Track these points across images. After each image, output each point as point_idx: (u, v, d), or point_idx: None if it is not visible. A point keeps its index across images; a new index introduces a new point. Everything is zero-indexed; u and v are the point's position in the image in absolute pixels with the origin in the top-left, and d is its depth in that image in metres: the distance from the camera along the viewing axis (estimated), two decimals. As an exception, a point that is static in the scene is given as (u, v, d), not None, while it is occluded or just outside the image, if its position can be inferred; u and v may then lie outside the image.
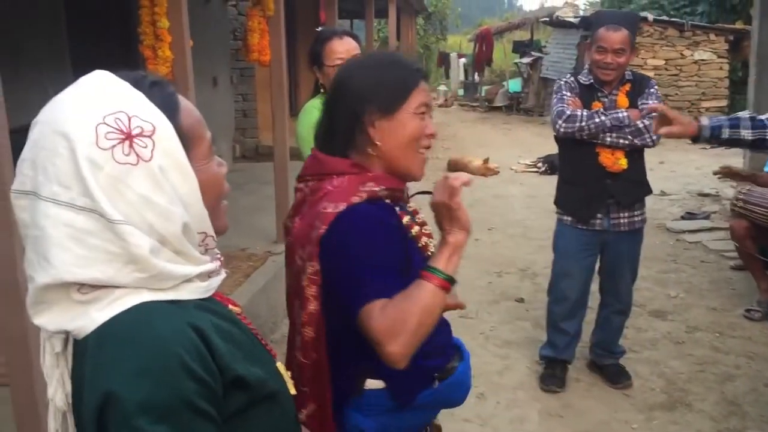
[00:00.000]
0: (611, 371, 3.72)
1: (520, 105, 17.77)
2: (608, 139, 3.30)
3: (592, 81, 3.39)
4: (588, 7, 19.12)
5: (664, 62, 13.55)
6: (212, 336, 0.91)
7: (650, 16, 13.66)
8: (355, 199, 1.43)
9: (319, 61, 2.69)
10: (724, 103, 13.63)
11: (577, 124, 3.28)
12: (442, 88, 21.29)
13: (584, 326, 3.76)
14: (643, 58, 13.44)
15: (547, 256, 5.89)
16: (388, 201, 1.50)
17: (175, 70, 3.50)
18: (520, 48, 19.36)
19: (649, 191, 3.54)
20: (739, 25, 13.44)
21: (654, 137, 3.27)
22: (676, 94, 13.63)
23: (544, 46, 18.27)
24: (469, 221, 1.47)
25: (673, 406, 3.45)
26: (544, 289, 5.05)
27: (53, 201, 0.86)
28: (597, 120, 3.27)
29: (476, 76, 20.59)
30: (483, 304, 4.85)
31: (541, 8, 21.36)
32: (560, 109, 3.34)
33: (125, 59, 6.43)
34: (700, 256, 5.87)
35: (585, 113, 3.30)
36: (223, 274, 1.04)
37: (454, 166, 10.18)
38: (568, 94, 3.39)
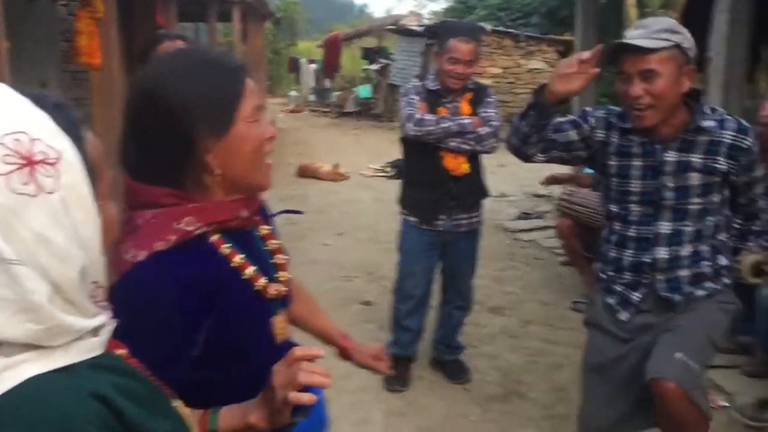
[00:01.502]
0: (451, 367, 3.86)
1: (371, 111, 18.10)
2: (452, 143, 3.46)
3: (438, 87, 3.52)
4: (432, 17, 19.81)
5: (502, 70, 14.33)
6: (117, 400, 0.79)
7: (488, 27, 14.39)
8: (160, 245, 1.17)
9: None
10: (556, 109, 14.60)
11: (426, 128, 3.41)
12: (293, 93, 21.26)
13: (426, 325, 3.88)
14: (482, 66, 14.11)
15: (395, 258, 6.05)
16: (215, 237, 1.27)
17: (-11, 73, 3.24)
18: (369, 55, 19.72)
19: (487, 194, 3.74)
20: (567, 37, 14.44)
21: (493, 143, 3.50)
22: (513, 100, 14.43)
23: (392, 54, 18.73)
24: (282, 422, 1.18)
25: (508, 397, 3.64)
26: (391, 291, 5.19)
27: None
28: (444, 125, 3.41)
29: (327, 82, 20.75)
30: (330, 309, 4.86)
31: (388, 16, 21.86)
32: (410, 112, 3.45)
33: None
34: (534, 253, 6.25)
35: (433, 117, 3.44)
36: (113, 324, 0.89)
37: (304, 172, 10.22)
38: (416, 98, 3.51)
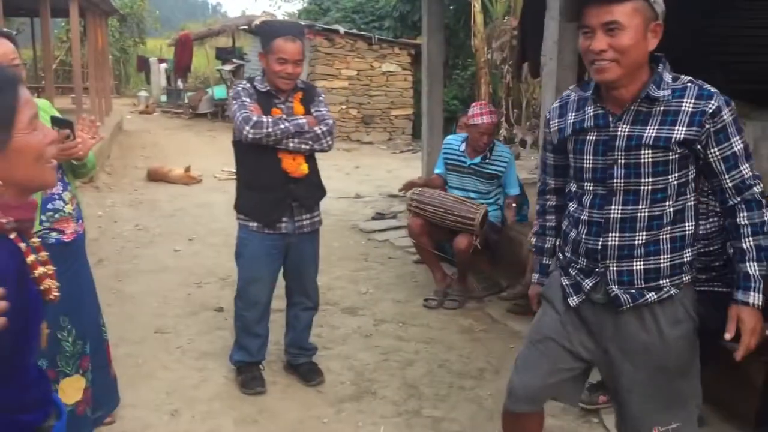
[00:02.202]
0: (304, 370, 3.84)
1: (225, 112, 17.70)
2: (291, 144, 3.42)
3: (269, 88, 3.47)
4: (286, 17, 19.68)
5: (356, 73, 14.49)
6: None
7: (341, 29, 14.51)
8: None
9: None
10: (410, 111, 14.97)
11: (265, 130, 3.33)
12: (143, 93, 20.40)
13: (271, 328, 3.84)
14: (337, 68, 14.23)
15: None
16: (13, 235, 1.32)
17: None
18: (222, 55, 19.29)
19: (325, 193, 3.73)
20: (419, 40, 14.83)
21: (330, 142, 3.50)
22: (369, 102, 14.66)
23: (246, 54, 18.42)
24: None
25: (361, 396, 3.67)
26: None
27: None
28: (282, 126, 3.36)
29: (180, 83, 20.07)
30: (181, 317, 4.72)
31: (242, 16, 21.47)
32: (245, 114, 3.34)
33: None
34: (389, 253, 6.36)
35: (270, 119, 3.37)
36: None
37: (153, 176, 9.82)
38: (248, 100, 3.42)
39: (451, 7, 14.23)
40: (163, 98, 20.93)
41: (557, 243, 2.40)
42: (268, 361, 4.02)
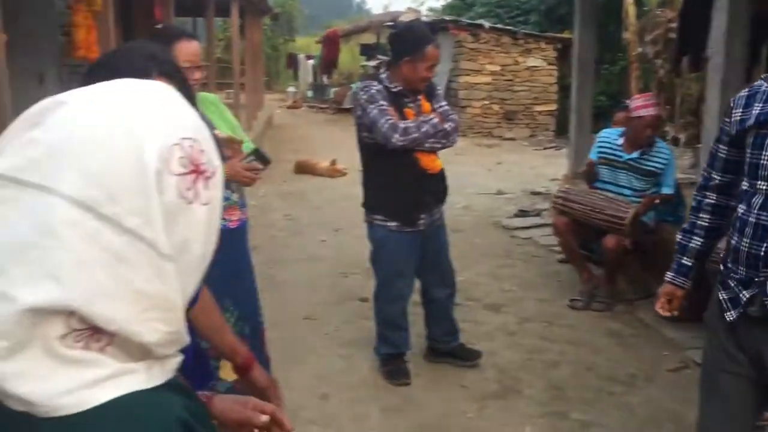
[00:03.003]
0: (462, 351, 3.93)
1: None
2: (426, 144, 3.46)
3: (400, 88, 3.47)
4: (430, 13, 19.78)
5: (500, 68, 14.31)
6: (195, 427, 0.76)
7: (487, 24, 14.38)
8: None
9: None
10: (554, 107, 14.61)
11: (411, 137, 3.38)
12: (292, 89, 21.23)
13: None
14: (481, 64, 14.12)
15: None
16: None
17: (-13, 66, 3.23)
18: (367, 51, 19.70)
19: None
20: (566, 35, 14.43)
21: (457, 138, 3.59)
22: (512, 98, 14.45)
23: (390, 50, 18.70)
24: None
25: (505, 394, 3.65)
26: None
27: (90, 210, 0.66)
28: (423, 129, 3.42)
29: (325, 78, 20.72)
30: (328, 305, 4.88)
31: (386, 13, 21.83)
32: (392, 121, 3.37)
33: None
34: (532, 251, 6.25)
35: (413, 124, 3.41)
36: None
37: (302, 168, 10.20)
38: (385, 103, 3.42)
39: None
40: (310, 94, 21.70)
41: (703, 245, 2.24)
42: (412, 353, 4.09)
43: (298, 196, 8.68)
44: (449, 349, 3.94)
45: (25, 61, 6.45)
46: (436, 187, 3.62)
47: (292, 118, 17.48)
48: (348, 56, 21.68)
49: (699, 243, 2.27)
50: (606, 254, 4.69)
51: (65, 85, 9.35)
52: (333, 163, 10.04)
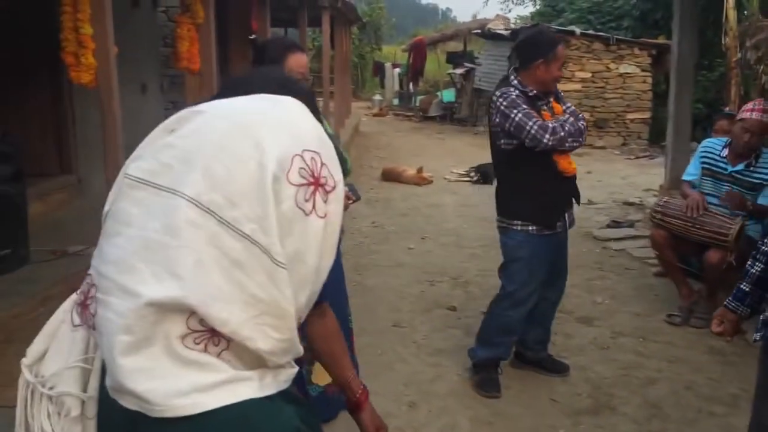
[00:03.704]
0: (550, 362, 3.90)
1: (454, 115, 18.03)
2: (566, 144, 3.45)
3: (535, 92, 3.49)
4: (518, 21, 19.57)
5: (591, 75, 13.98)
6: None
7: (578, 30, 14.08)
8: None
9: None
10: (647, 115, 14.15)
11: (559, 135, 3.39)
12: (378, 97, 21.41)
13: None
14: (571, 71, 13.83)
15: (479, 264, 6.01)
16: None
17: (99, 77, 3.42)
18: (453, 59, 19.65)
19: None
20: (661, 40, 13.97)
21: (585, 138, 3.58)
22: (603, 105, 14.07)
23: (477, 58, 18.60)
24: None
25: (599, 410, 3.54)
26: (476, 298, 5.16)
27: (211, 213, 0.69)
28: (567, 128, 3.43)
29: (411, 86, 20.80)
30: (415, 313, 4.88)
31: (474, 20, 21.72)
32: (540, 122, 3.39)
33: (46, 66, 6.23)
34: (625, 263, 6.06)
35: (557, 124, 3.42)
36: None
37: (388, 175, 10.27)
38: (527, 107, 3.43)
39: (700, 4, 13.20)
40: (396, 101, 21.81)
41: (763, 271, 2.23)
42: (502, 364, 4.04)
43: (385, 204, 8.74)
44: (537, 359, 3.90)
45: (129, 72, 6.77)
46: (571, 189, 3.64)
47: (378, 125, 17.61)
48: (434, 64, 21.69)
49: (759, 269, 2.23)
50: (708, 270, 4.49)
51: (166, 95, 9.82)
52: (420, 170, 10.06)
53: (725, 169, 4.65)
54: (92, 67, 3.36)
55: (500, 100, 3.48)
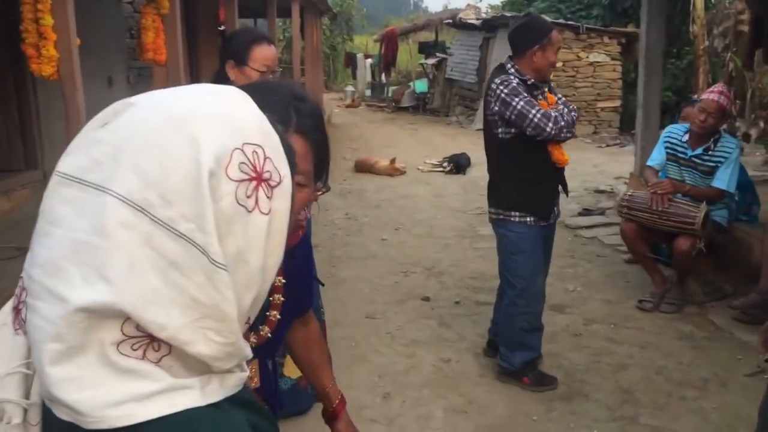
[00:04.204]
0: None
1: (427, 105, 18.03)
2: (562, 134, 3.44)
3: (533, 80, 3.47)
4: (489, 11, 19.57)
5: (562, 64, 14.02)
6: None
7: (548, 20, 14.13)
8: None
9: (242, 60, 2.63)
10: (617, 103, 14.27)
11: (560, 125, 3.38)
12: (350, 88, 21.32)
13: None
14: (542, 60, 13.86)
15: (452, 254, 6.02)
16: None
17: (62, 69, 3.34)
18: (425, 49, 19.64)
19: None
20: (630, 29, 14.08)
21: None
22: (574, 94, 14.14)
23: (449, 48, 18.60)
24: None
25: (572, 397, 3.57)
26: (449, 288, 5.17)
27: (144, 212, 0.65)
28: (566, 118, 3.42)
29: (383, 77, 20.75)
30: (389, 304, 4.87)
31: (445, 10, 21.72)
32: (544, 111, 3.36)
33: (6, 58, 6.09)
34: (597, 250, 6.11)
35: (558, 113, 3.41)
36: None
37: (361, 167, 10.24)
38: (528, 95, 3.40)
39: (669, -8, 13.33)
40: (368, 92, 21.75)
41: None
42: (475, 354, 4.06)
43: (358, 195, 8.71)
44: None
45: (94, 64, 6.65)
46: (563, 179, 3.66)
47: (350, 116, 17.55)
48: (406, 55, 21.67)
49: None
50: (678, 257, 4.53)
51: (133, 88, 9.68)
52: (392, 161, 10.04)
53: (686, 154, 4.70)
54: (54, 59, 3.28)
55: (501, 87, 3.41)
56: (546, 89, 3.56)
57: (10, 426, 0.69)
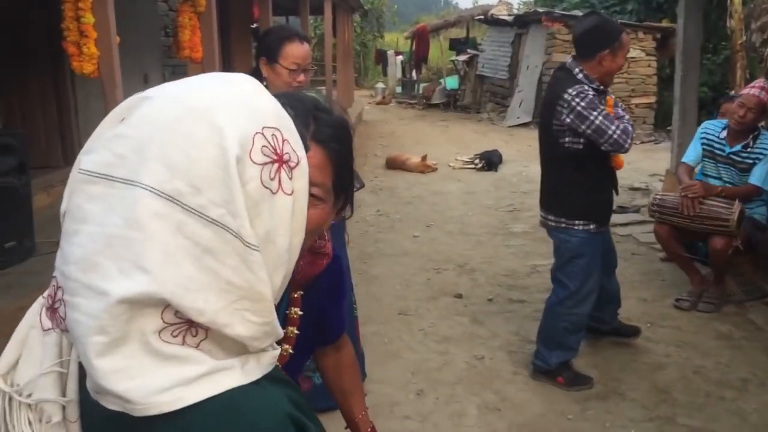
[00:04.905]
0: (624, 328, 4.13)
1: (457, 102, 17.97)
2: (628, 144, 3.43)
3: (600, 87, 3.40)
4: (522, 6, 19.44)
5: (595, 60, 13.87)
6: (301, 419, 0.75)
7: (581, 15, 13.98)
8: None
9: (273, 58, 2.65)
10: (652, 99, 14.07)
11: (632, 137, 3.38)
12: (380, 85, 21.33)
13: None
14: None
15: (484, 251, 5.99)
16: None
17: (102, 67, 3.39)
18: (456, 46, 19.57)
19: None
20: (665, 24, 13.87)
21: None
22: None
23: (480, 44, 18.50)
24: None
25: (607, 396, 3.53)
26: (482, 285, 5.15)
27: (175, 201, 0.67)
28: (631, 128, 3.39)
29: (414, 74, 20.72)
30: (421, 301, 4.87)
31: (476, 6, 21.61)
32: (623, 127, 3.31)
33: (49, 56, 6.20)
34: (632, 248, 6.03)
35: (628, 126, 3.37)
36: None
37: (392, 164, 10.24)
38: (602, 107, 3.33)
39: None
40: (398, 89, 21.74)
41: None
42: (509, 351, 4.03)
43: (389, 192, 8.71)
44: (613, 328, 4.06)
45: (131, 62, 6.75)
46: (616, 181, 3.68)
47: (381, 113, 17.56)
48: (437, 51, 21.60)
49: None
50: (715, 256, 4.45)
51: (168, 85, 9.71)
52: (424, 158, 10.02)
53: (723, 151, 4.61)
54: (94, 56, 3.33)
55: (576, 99, 3.27)
56: (606, 97, 3.46)
57: (50, 425, 0.71)
